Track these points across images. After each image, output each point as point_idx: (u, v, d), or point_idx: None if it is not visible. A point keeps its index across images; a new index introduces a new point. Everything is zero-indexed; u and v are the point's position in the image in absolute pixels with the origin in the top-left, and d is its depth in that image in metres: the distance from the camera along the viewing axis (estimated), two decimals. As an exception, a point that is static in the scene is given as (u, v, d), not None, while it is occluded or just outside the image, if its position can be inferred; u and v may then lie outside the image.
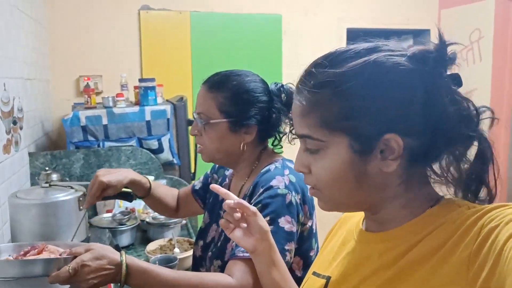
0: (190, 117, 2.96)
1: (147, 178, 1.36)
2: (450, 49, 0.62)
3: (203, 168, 2.96)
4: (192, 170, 2.77)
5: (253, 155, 1.21)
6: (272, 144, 1.24)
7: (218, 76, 1.19)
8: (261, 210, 1.03)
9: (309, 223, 1.12)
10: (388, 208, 0.66)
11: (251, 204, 1.06)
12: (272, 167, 1.14)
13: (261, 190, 1.08)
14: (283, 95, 1.18)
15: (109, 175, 1.25)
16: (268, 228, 0.87)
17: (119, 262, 0.95)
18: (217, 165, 1.42)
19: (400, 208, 0.65)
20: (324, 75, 0.63)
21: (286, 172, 1.11)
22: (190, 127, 2.68)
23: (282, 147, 1.24)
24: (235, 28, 3.49)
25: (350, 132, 0.62)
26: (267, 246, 0.87)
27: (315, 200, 0.75)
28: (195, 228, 2.34)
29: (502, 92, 3.54)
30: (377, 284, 0.62)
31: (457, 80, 0.63)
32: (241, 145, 1.16)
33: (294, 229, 1.05)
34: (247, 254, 0.97)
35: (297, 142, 1.18)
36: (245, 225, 0.86)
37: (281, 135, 1.22)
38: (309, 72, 0.66)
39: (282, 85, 1.20)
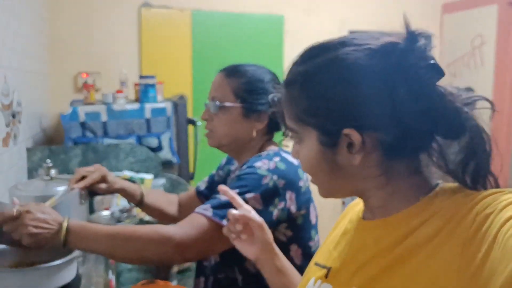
0: (190, 116, 2.93)
1: (140, 187, 1.39)
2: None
3: (202, 168, 2.94)
4: (191, 170, 2.74)
5: (258, 145, 1.22)
6: (283, 134, 1.24)
7: (234, 65, 1.24)
8: (235, 181, 1.08)
9: (302, 212, 1.13)
10: (376, 196, 0.68)
11: (231, 178, 1.13)
12: (264, 153, 1.16)
13: (244, 167, 1.13)
14: None
15: (109, 172, 1.32)
16: (271, 240, 0.88)
17: (61, 221, 0.99)
18: (223, 163, 1.40)
19: (389, 196, 0.66)
20: (295, 71, 0.69)
21: (276, 159, 1.12)
22: (190, 125, 2.68)
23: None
24: (237, 27, 3.47)
25: (316, 126, 0.66)
26: (270, 256, 0.89)
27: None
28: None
29: (504, 98, 3.53)
30: (374, 271, 0.62)
31: (436, 69, 0.61)
32: (252, 132, 1.19)
33: (261, 208, 1.04)
34: (206, 212, 1.01)
35: None
36: (245, 237, 0.89)
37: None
38: (288, 69, 0.72)
39: None
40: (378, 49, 0.62)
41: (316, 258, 0.80)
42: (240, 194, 1.03)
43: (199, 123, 2.72)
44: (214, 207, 1.03)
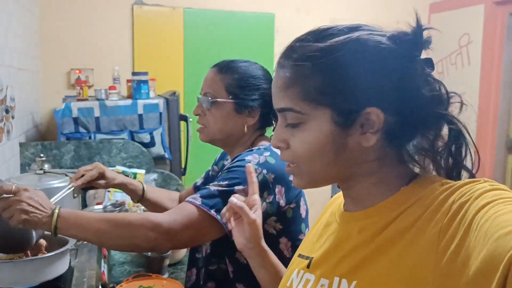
0: (182, 112, 2.96)
1: (141, 182, 1.40)
2: (426, 33, 0.64)
3: (193, 163, 2.97)
4: (183, 165, 2.77)
5: (250, 140, 1.25)
6: (273, 130, 1.27)
7: (227, 61, 1.26)
8: (225, 174, 1.10)
9: (292, 205, 1.16)
10: (362, 184, 0.68)
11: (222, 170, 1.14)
12: (255, 148, 1.19)
13: (235, 160, 1.15)
14: None
15: (107, 168, 1.34)
16: (261, 237, 0.88)
17: (53, 208, 1.01)
18: (217, 158, 1.44)
19: (373, 185, 0.67)
20: (307, 49, 0.65)
21: (266, 153, 1.14)
22: (182, 121, 2.70)
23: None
24: (228, 25, 3.50)
25: (333, 105, 0.63)
26: (257, 251, 0.88)
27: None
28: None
29: (490, 96, 3.61)
30: (356, 261, 0.63)
31: (430, 63, 0.66)
32: (244, 127, 1.21)
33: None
34: (195, 201, 1.04)
35: None
36: (233, 225, 0.87)
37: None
38: (292, 47, 0.68)
39: None
40: (391, 36, 0.64)
41: (300, 250, 0.81)
42: (229, 185, 1.07)
43: (190, 119, 2.75)
44: (203, 197, 1.06)
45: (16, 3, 2.24)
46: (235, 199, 0.84)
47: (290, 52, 0.68)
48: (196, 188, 1.44)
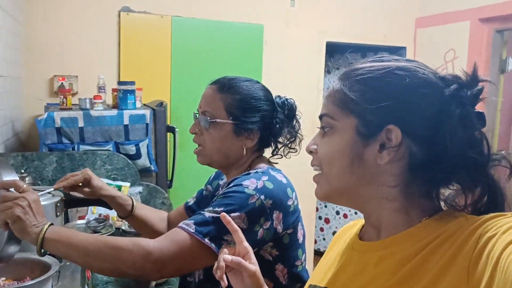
0: (169, 123, 2.90)
1: (130, 198, 1.33)
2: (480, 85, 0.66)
3: (180, 176, 2.91)
4: (169, 178, 2.71)
5: (247, 162, 1.21)
6: (272, 153, 1.24)
7: (228, 79, 1.21)
8: (221, 199, 1.05)
9: (289, 231, 1.12)
10: (381, 210, 0.68)
11: (217, 195, 1.09)
12: (253, 171, 1.15)
13: (231, 184, 1.10)
14: (286, 108, 1.21)
15: (96, 177, 1.29)
16: (263, 284, 0.81)
17: (45, 221, 0.99)
18: (211, 177, 1.39)
19: (393, 213, 0.67)
20: (356, 67, 0.72)
21: (264, 178, 1.11)
22: (169, 133, 2.64)
23: (282, 157, 1.23)
24: (217, 35, 3.46)
25: (361, 116, 0.68)
26: None
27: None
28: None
29: (475, 112, 3.65)
30: None
31: (482, 119, 0.65)
32: (243, 149, 1.18)
33: (245, 227, 1.02)
34: (188, 228, 0.99)
35: (293, 156, 1.18)
36: (226, 283, 0.79)
37: (279, 146, 1.22)
38: (347, 66, 0.76)
39: (286, 99, 1.23)
40: (444, 76, 0.67)
41: (311, 281, 0.80)
42: (225, 212, 1.01)
43: (177, 129, 2.70)
44: (197, 224, 1.01)
45: (0, 9, 2.17)
46: (228, 256, 0.77)
47: (345, 69, 0.74)
48: (187, 209, 1.40)
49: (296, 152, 1.23)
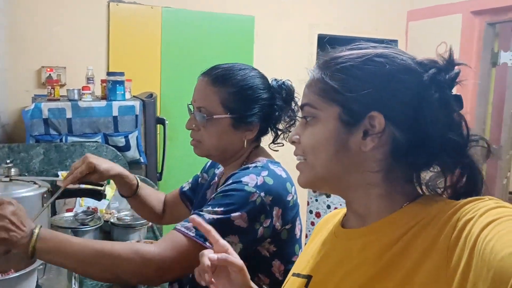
0: (159, 114, 2.86)
1: (135, 177, 1.30)
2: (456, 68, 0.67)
3: (170, 168, 2.88)
4: (159, 170, 2.68)
5: (246, 153, 1.17)
6: (272, 141, 1.21)
7: (221, 69, 1.13)
8: (220, 198, 1.01)
9: (287, 226, 1.09)
10: (364, 196, 0.69)
11: (215, 192, 1.05)
12: (252, 165, 1.10)
13: (230, 181, 1.06)
14: (283, 91, 1.16)
15: (100, 159, 1.22)
16: (249, 279, 0.77)
17: (33, 228, 0.91)
18: (207, 165, 1.37)
19: (375, 199, 0.68)
20: (334, 56, 0.72)
21: (264, 173, 1.07)
22: (159, 125, 2.61)
23: (283, 145, 1.20)
24: (207, 26, 3.42)
25: (344, 104, 0.68)
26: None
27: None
28: (160, 230, 2.25)
29: (466, 104, 3.64)
30: (363, 279, 0.63)
31: (460, 102, 0.67)
32: (243, 142, 1.13)
33: (245, 226, 1.00)
34: (189, 232, 0.96)
35: (282, 149, 1.14)
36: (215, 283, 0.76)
37: (279, 132, 1.19)
38: (324, 54, 0.74)
39: (283, 82, 1.18)
40: (421, 61, 0.68)
41: (294, 269, 0.79)
42: (225, 212, 0.99)
43: (167, 121, 2.66)
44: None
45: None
46: (213, 255, 0.73)
47: (322, 57, 0.73)
48: (182, 194, 1.37)
49: None
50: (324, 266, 0.71)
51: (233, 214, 0.98)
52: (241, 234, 1.00)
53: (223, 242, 0.77)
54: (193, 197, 1.35)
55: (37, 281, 1.16)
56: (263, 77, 1.17)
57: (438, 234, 0.57)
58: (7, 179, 1.36)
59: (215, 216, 0.98)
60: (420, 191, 0.69)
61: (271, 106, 1.14)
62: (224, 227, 0.96)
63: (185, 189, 1.38)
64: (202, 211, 1.00)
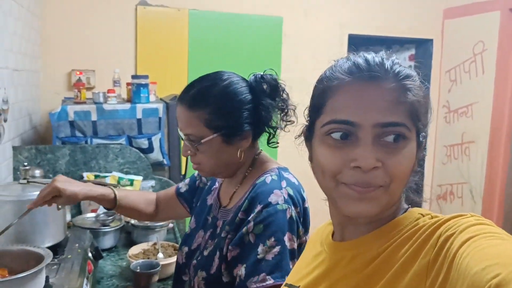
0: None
1: (112, 188, 1.30)
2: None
3: (193, 170, 2.88)
4: (183, 172, 2.69)
5: (247, 161, 1.15)
6: (268, 141, 1.17)
7: (193, 89, 1.09)
8: (263, 231, 0.99)
9: (305, 237, 1.07)
10: None
11: (248, 221, 1.02)
12: (268, 178, 1.07)
13: (259, 207, 1.01)
14: (265, 85, 1.09)
15: (67, 183, 1.22)
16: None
17: None
18: None
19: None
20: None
21: (284, 184, 1.05)
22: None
23: (278, 143, 1.16)
24: (235, 28, 3.41)
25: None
26: None
27: None
28: (182, 232, 2.26)
29: (504, 106, 3.48)
30: None
31: None
32: (242, 152, 1.10)
33: (295, 245, 1.01)
34: (270, 283, 0.95)
35: (291, 129, 1.07)
36: None
37: (274, 130, 1.14)
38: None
39: (261, 75, 1.11)
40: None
41: (288, 280, 0.80)
42: (278, 243, 0.98)
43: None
44: (270, 272, 0.96)
45: (14, 2, 2.18)
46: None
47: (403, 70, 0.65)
48: (180, 195, 1.36)
49: (293, 123, 1.10)
50: (313, 277, 0.71)
51: (285, 239, 0.98)
52: (296, 256, 1.00)
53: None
54: (191, 199, 1.34)
55: (48, 280, 1.17)
56: (240, 80, 1.11)
57: (420, 249, 0.58)
58: (25, 181, 1.39)
59: (275, 253, 0.97)
60: (405, 205, 0.69)
61: (257, 107, 1.10)
62: (286, 257, 0.97)
63: (182, 190, 1.36)
64: (258, 254, 0.98)
